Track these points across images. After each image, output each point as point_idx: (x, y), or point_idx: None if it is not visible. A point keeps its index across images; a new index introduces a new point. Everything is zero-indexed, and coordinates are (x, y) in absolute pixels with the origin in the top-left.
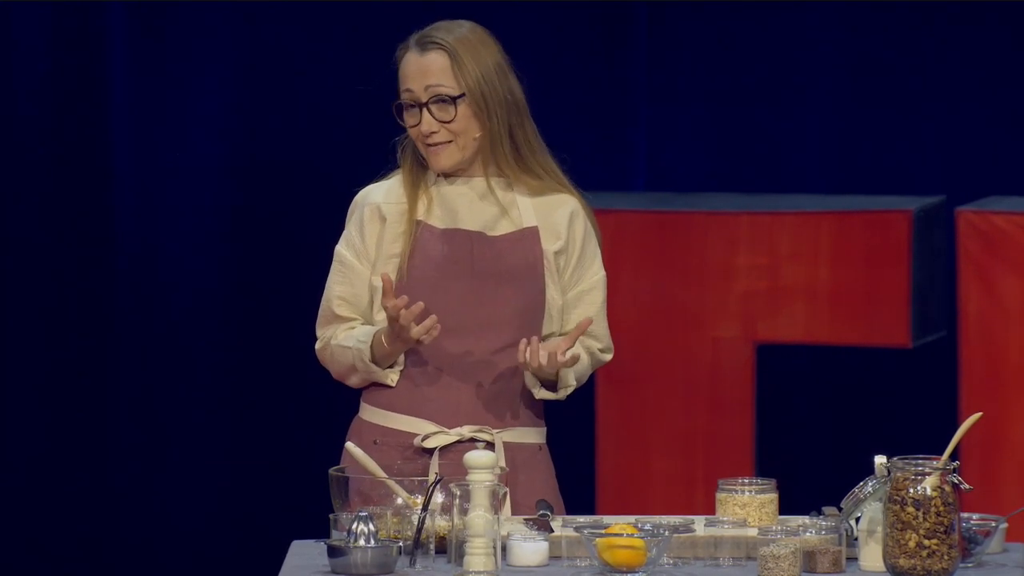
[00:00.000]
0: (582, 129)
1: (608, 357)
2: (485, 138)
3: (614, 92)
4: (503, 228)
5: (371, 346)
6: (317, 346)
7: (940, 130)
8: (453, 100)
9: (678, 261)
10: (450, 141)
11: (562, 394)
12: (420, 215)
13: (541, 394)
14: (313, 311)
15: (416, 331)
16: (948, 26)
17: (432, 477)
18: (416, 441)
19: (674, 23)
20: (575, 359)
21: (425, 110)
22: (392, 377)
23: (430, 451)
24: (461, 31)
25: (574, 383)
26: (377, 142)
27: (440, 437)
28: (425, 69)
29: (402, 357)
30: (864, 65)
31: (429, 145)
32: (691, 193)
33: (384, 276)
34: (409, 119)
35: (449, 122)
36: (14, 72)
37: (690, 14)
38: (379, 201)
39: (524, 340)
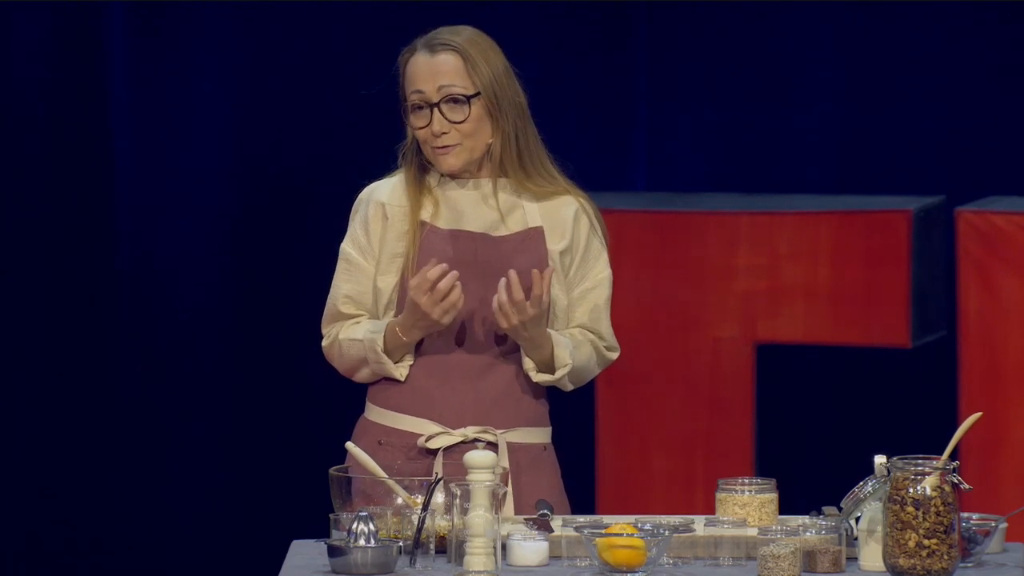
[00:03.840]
0: (583, 129)
1: (614, 356)
2: (496, 141)
3: (614, 92)
4: (507, 229)
5: (384, 336)
6: (324, 343)
7: (940, 130)
8: (467, 100)
9: (678, 261)
10: (459, 144)
11: (559, 375)
12: (425, 217)
13: (539, 377)
14: (315, 310)
15: (437, 312)
16: (948, 26)
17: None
18: (420, 442)
19: (674, 23)
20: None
21: (436, 111)
22: (402, 371)
23: (434, 452)
24: (467, 34)
25: (570, 362)
26: (378, 143)
27: (444, 438)
28: (437, 70)
29: (412, 352)
30: (864, 65)
31: (437, 147)
32: (691, 193)
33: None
34: (418, 120)
35: (461, 123)
36: (14, 72)
37: (690, 14)
38: (384, 199)
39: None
